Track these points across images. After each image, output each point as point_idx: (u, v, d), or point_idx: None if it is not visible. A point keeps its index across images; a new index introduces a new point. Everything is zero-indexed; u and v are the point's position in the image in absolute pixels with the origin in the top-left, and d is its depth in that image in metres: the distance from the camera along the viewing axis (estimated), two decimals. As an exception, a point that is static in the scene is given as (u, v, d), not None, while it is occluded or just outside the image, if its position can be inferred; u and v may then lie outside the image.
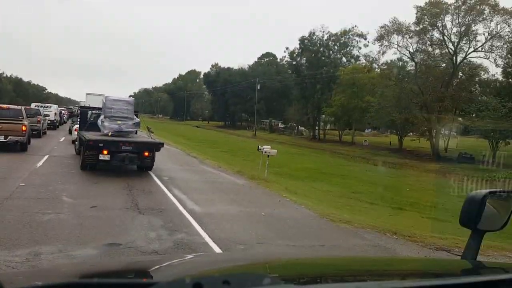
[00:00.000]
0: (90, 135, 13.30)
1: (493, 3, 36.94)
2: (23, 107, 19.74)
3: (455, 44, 39.43)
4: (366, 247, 7.54)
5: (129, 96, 18.21)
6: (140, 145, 13.51)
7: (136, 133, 15.53)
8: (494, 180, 21.37)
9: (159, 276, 1.45)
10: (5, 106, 18.85)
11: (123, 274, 1.56)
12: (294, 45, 66.03)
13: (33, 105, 31.01)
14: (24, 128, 16.60)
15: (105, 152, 12.64)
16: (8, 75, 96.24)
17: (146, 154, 13.36)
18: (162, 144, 13.88)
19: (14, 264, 5.27)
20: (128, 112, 14.34)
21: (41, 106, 31.90)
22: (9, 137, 16.24)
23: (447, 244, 7.97)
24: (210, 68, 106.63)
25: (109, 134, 13.52)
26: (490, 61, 38.54)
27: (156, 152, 13.96)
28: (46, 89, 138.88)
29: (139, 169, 14.07)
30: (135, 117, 14.67)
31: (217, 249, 6.66)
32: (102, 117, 14.08)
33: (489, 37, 37.85)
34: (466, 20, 38.36)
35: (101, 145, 12.68)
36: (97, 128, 13.99)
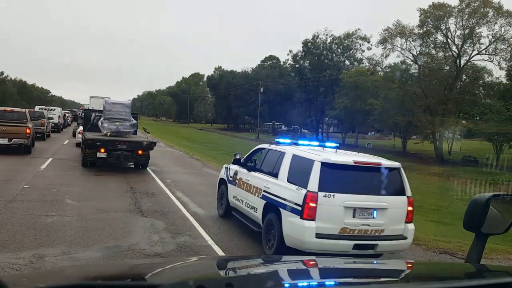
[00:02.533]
0: (89, 135, 14.34)
1: (497, 5, 36.84)
2: (27, 110, 19.82)
3: (459, 47, 39.29)
4: (370, 250, 7.50)
5: (132, 99, 18.81)
6: (134, 144, 14.45)
7: (135, 133, 16.49)
8: (498, 183, 21.26)
9: (162, 278, 1.45)
10: (9, 109, 18.94)
11: (126, 277, 1.56)
12: (298, 48, 65.92)
13: (37, 108, 31.13)
14: (28, 131, 16.68)
15: (102, 150, 13.74)
16: (12, 78, 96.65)
17: (140, 152, 14.40)
18: (154, 143, 15.01)
19: (18, 266, 5.29)
20: (125, 114, 15.35)
21: (45, 109, 32.02)
22: (14, 139, 16.32)
23: (450, 248, 7.93)
24: (214, 71, 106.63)
25: (108, 134, 14.48)
26: (494, 63, 38.42)
27: (157, 154, 14.58)
28: (50, 92, 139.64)
29: (135, 166, 15.12)
30: (132, 118, 15.63)
31: (220, 252, 6.67)
32: (102, 118, 15.03)
33: (493, 39, 37.71)
34: (470, 22, 38.24)
35: (99, 144, 13.78)
36: (99, 129, 14.94)
